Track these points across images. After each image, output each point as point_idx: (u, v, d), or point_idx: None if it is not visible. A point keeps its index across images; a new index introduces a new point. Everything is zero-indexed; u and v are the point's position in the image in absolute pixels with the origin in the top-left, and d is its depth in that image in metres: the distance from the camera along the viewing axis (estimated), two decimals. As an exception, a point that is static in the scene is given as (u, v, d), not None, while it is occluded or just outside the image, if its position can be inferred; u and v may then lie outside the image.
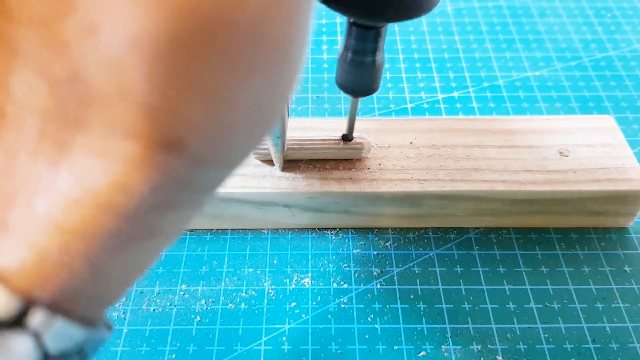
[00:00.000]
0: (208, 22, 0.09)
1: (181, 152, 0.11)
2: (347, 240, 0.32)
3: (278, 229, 0.33)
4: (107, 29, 0.09)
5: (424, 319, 0.29)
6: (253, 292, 0.30)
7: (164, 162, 0.11)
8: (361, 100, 0.41)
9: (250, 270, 0.31)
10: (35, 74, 0.10)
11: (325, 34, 0.47)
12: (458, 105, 0.41)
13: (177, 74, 0.10)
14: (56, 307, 0.11)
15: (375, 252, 0.32)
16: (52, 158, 0.10)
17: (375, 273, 0.31)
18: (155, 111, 0.10)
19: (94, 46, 0.09)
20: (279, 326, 0.29)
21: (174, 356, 0.28)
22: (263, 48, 0.10)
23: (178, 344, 0.28)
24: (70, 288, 0.11)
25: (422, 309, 0.29)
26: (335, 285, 0.30)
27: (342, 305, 0.30)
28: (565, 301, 0.30)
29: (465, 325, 0.29)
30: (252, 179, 0.31)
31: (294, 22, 0.11)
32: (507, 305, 0.30)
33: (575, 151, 0.32)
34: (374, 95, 0.42)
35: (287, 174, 0.31)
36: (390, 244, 0.32)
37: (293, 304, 0.30)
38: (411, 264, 0.31)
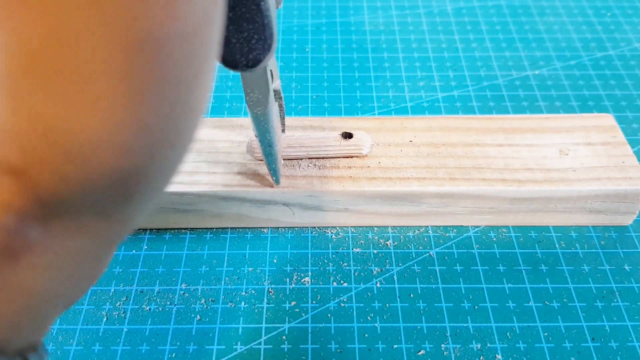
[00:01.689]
0: (42, 57, 0.09)
1: (24, 180, 0.11)
2: (346, 239, 0.32)
3: (278, 228, 0.33)
4: None
5: (423, 318, 0.29)
6: (253, 291, 0.30)
7: (12, 186, 0.11)
8: (361, 99, 0.41)
9: (250, 269, 0.31)
10: None
11: (325, 33, 0.47)
12: (458, 104, 0.41)
13: (12, 102, 0.10)
14: None
15: (374, 251, 0.32)
16: None
17: (374, 272, 0.31)
18: None
19: None
20: (278, 325, 0.29)
21: (174, 355, 0.28)
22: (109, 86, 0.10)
23: (178, 343, 0.28)
24: None
25: (421, 307, 0.29)
26: (334, 284, 0.30)
27: (342, 304, 0.30)
28: (564, 300, 0.30)
29: (464, 324, 0.29)
30: (252, 178, 0.31)
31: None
32: (507, 304, 0.30)
33: (575, 150, 0.32)
34: (374, 94, 0.42)
35: (287, 173, 0.31)
36: (390, 243, 0.32)
37: (293, 303, 0.30)
38: (411, 263, 0.31)
